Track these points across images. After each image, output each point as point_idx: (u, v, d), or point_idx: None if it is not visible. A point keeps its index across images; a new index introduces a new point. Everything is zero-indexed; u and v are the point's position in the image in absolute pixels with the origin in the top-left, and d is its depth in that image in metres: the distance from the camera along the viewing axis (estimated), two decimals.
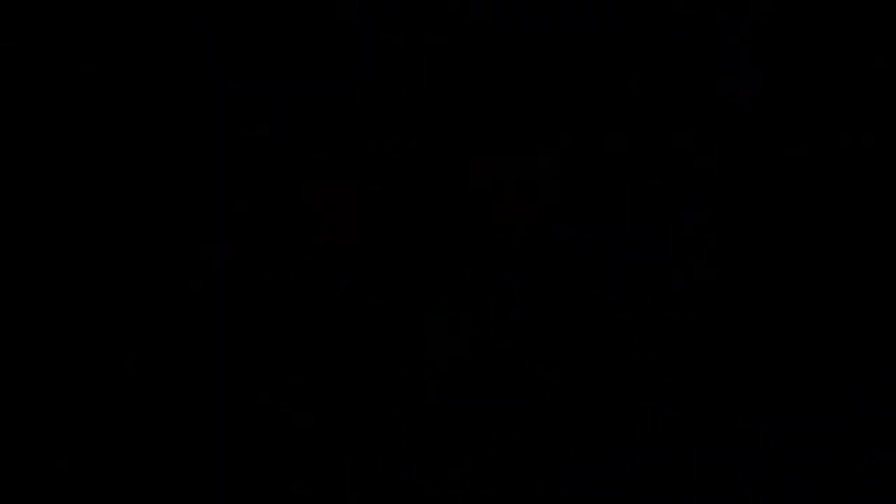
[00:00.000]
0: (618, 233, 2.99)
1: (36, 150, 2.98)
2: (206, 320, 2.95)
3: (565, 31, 3.01)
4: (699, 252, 2.98)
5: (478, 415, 2.93)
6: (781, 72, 3.02)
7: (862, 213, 2.99)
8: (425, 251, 2.98)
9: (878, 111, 3.00)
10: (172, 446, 2.91)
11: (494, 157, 3.00)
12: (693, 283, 2.98)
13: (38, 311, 2.93)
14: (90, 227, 2.96)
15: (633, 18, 3.01)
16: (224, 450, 2.92)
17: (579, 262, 2.98)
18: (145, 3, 3.00)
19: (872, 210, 2.99)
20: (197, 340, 2.95)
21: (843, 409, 2.92)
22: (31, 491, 2.89)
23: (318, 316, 2.96)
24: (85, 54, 2.98)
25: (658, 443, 2.92)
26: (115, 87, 2.99)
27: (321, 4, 3.02)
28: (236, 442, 2.93)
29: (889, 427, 2.90)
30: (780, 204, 3.00)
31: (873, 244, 2.98)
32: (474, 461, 2.92)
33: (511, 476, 2.92)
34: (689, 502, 2.90)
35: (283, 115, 3.01)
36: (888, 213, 2.99)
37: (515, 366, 2.95)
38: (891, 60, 3.01)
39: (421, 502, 2.91)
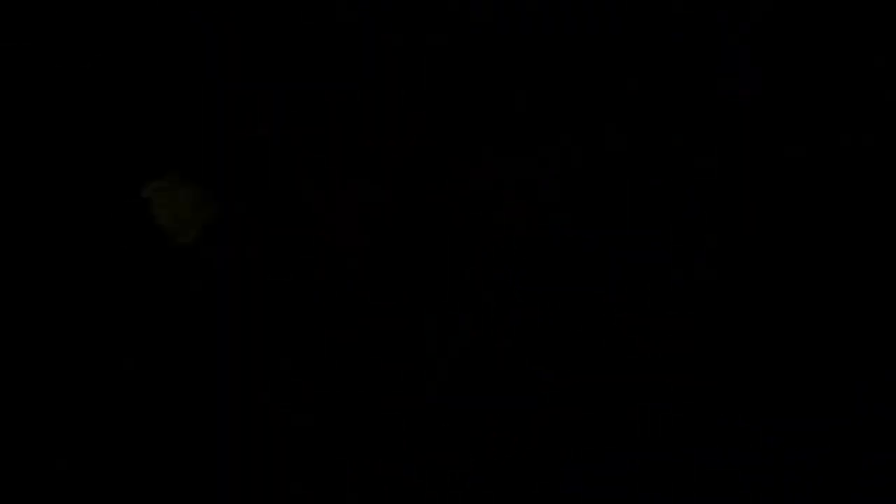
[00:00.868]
0: (618, 233, 2.99)
1: (35, 150, 2.98)
2: (206, 320, 2.95)
3: (565, 31, 3.01)
4: (699, 252, 2.98)
5: (478, 415, 2.93)
6: (781, 72, 3.02)
7: (862, 213, 2.99)
8: (425, 251, 2.99)
9: (878, 111, 3.00)
10: (172, 446, 2.91)
11: (494, 157, 3.00)
12: (693, 283, 2.98)
13: (37, 311, 2.94)
14: (90, 227, 2.96)
15: (633, 18, 3.01)
16: (224, 450, 2.92)
17: (579, 262, 2.98)
18: (145, 3, 3.00)
19: (872, 210, 2.99)
20: (197, 340, 2.95)
21: (843, 409, 2.92)
22: (31, 491, 2.89)
23: (318, 316, 2.96)
24: (85, 54, 2.99)
25: (658, 443, 2.92)
26: (114, 87, 3.00)
27: (321, 4, 3.02)
28: (236, 442, 2.93)
29: (889, 427, 2.90)
30: (780, 204, 3.00)
31: (873, 244, 2.98)
32: (474, 461, 2.92)
33: (511, 476, 2.92)
34: (689, 502, 2.90)
35: (283, 115, 3.01)
36: (888, 213, 2.99)
37: (515, 366, 2.96)
38: (891, 60, 3.01)
39: (421, 502, 2.91)
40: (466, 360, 2.95)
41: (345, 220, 3.00)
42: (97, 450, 2.91)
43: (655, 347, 2.96)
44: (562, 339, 2.96)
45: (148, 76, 3.00)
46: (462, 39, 3.02)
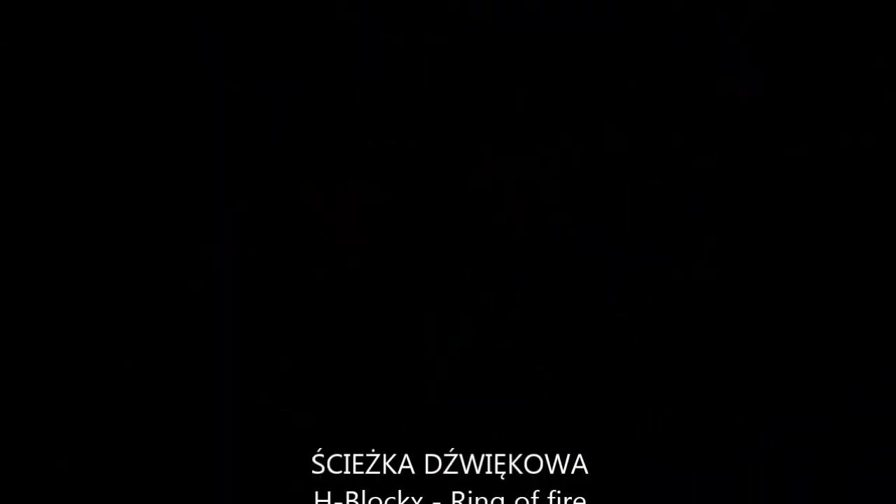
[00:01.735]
0: (618, 233, 2.99)
1: (36, 150, 2.98)
2: (206, 320, 2.95)
3: (565, 31, 3.01)
4: (699, 252, 2.98)
5: (478, 415, 2.93)
6: (781, 72, 3.02)
7: (862, 213, 2.99)
8: (425, 251, 2.99)
9: (878, 111, 3.00)
10: (172, 446, 2.91)
11: (494, 157, 3.00)
12: (693, 283, 2.98)
13: (38, 311, 2.94)
14: (90, 227, 2.96)
15: (633, 18, 3.01)
16: (224, 450, 2.92)
17: (579, 262, 2.98)
18: (145, 3, 3.00)
19: (872, 210, 2.99)
20: (197, 340, 2.95)
21: (843, 409, 2.92)
22: (31, 491, 2.89)
23: (318, 316, 2.96)
24: (85, 54, 2.99)
25: (658, 443, 2.92)
26: (115, 87, 3.00)
27: (321, 4, 3.02)
28: (236, 442, 2.93)
29: (889, 427, 2.90)
30: (780, 204, 3.00)
31: (873, 244, 2.98)
32: (474, 461, 2.92)
33: (511, 476, 2.92)
34: (689, 502, 2.90)
35: (283, 115, 3.01)
36: (888, 213, 2.99)
37: (515, 366, 2.96)
38: (891, 60, 3.01)
39: (420, 502, 2.91)
40: (466, 360, 2.95)
41: (345, 220, 3.00)
42: (97, 450, 2.91)
43: (655, 347, 2.96)
44: (562, 339, 2.96)
45: (148, 76, 3.00)
46: (462, 39, 3.02)
